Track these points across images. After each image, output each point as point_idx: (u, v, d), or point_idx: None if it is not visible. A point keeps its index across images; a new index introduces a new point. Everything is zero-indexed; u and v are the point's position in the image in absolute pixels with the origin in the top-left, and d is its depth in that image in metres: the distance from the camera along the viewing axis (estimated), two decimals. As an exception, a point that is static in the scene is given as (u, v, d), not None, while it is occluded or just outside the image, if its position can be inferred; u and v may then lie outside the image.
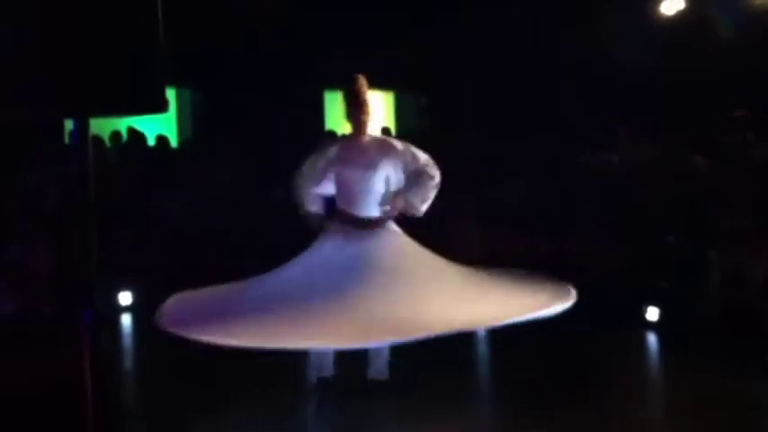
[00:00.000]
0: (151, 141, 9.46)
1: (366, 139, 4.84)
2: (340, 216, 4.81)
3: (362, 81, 4.81)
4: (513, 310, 4.38)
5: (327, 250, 4.67)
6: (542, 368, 5.42)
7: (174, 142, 10.66)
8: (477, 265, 4.99)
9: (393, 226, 4.83)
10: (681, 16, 9.21)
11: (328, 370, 4.85)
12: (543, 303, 4.49)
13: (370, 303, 4.25)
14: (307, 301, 4.30)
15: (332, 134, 8.96)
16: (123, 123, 9.56)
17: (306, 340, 4.18)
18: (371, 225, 4.74)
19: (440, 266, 4.72)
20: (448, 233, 7.02)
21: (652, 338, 6.12)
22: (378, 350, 4.82)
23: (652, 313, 6.26)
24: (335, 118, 11.68)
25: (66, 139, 8.32)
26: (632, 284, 6.56)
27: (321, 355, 4.82)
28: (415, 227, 4.91)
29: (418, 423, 4.57)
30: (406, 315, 4.22)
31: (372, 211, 4.77)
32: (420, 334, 4.14)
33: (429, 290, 4.43)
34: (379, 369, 4.87)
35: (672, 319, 6.15)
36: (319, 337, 4.16)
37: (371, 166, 4.75)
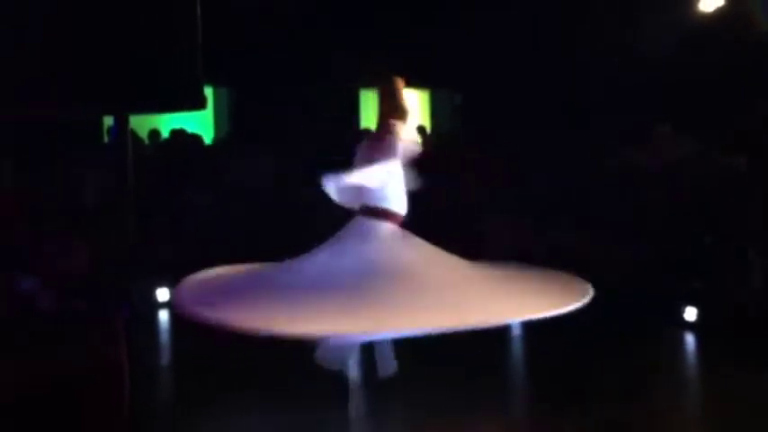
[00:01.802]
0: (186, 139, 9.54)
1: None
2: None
3: (399, 82, 4.86)
4: (527, 309, 4.36)
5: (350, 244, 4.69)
6: (577, 367, 5.39)
7: (210, 141, 10.75)
8: (503, 261, 4.98)
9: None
10: (720, 12, 9.08)
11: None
12: (557, 302, 4.46)
13: (401, 292, 4.27)
14: (331, 289, 4.32)
15: (366, 132, 8.97)
16: (162, 122, 9.67)
17: (329, 327, 4.19)
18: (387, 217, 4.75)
19: (453, 263, 4.73)
20: (477, 228, 7.01)
21: (690, 338, 6.06)
22: (380, 349, 4.81)
23: (690, 313, 6.20)
24: (370, 117, 11.70)
25: (105, 137, 8.45)
26: (670, 284, 6.50)
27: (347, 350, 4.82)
28: (443, 220, 4.91)
29: (449, 422, 4.55)
30: (434, 305, 4.23)
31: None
32: (442, 327, 4.16)
33: (451, 284, 4.44)
34: (384, 367, 4.87)
35: (710, 319, 6.08)
36: (344, 323, 4.17)
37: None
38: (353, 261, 4.51)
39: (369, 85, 11.30)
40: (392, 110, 4.84)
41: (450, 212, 4.93)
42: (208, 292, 4.58)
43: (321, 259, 4.64)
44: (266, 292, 4.43)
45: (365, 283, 4.34)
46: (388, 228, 4.69)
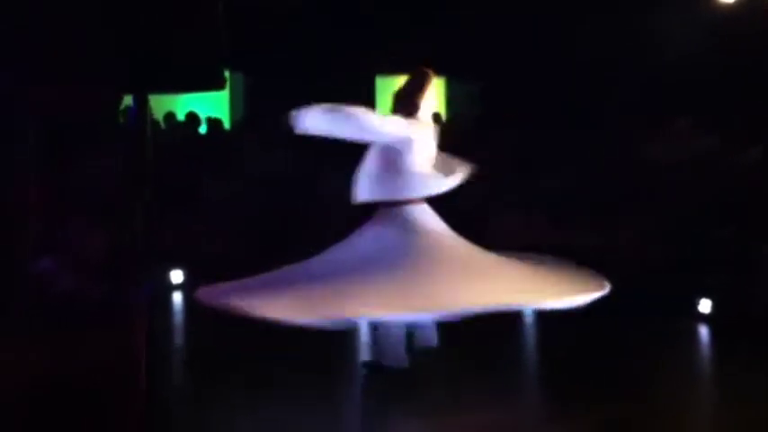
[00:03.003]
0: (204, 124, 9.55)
1: None
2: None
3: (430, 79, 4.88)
4: (547, 295, 4.39)
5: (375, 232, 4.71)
6: (589, 360, 5.38)
7: (226, 126, 10.75)
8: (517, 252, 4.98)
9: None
10: (738, 4, 9.00)
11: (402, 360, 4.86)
12: (577, 290, 4.49)
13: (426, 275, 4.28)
14: (361, 273, 4.35)
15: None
16: (178, 105, 9.68)
17: (360, 309, 4.22)
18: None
19: (475, 249, 4.75)
20: (490, 222, 6.99)
21: (704, 331, 6.04)
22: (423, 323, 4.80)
23: (704, 305, 6.18)
24: (386, 103, 11.66)
25: (122, 119, 8.45)
26: (685, 277, 6.47)
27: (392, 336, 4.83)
28: (457, 215, 4.90)
29: (460, 411, 4.55)
30: (462, 288, 4.26)
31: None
32: (474, 307, 4.19)
33: (474, 267, 4.47)
34: (426, 337, 4.87)
35: (725, 312, 6.06)
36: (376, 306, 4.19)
37: None
38: (385, 246, 4.54)
39: (400, 72, 11.32)
40: (407, 103, 4.83)
41: (460, 207, 4.92)
42: (237, 286, 4.61)
43: (351, 248, 4.66)
44: (303, 282, 4.45)
45: (401, 265, 4.39)
46: (411, 210, 4.68)
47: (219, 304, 4.42)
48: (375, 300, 4.24)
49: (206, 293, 4.62)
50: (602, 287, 4.63)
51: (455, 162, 4.87)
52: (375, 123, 4.67)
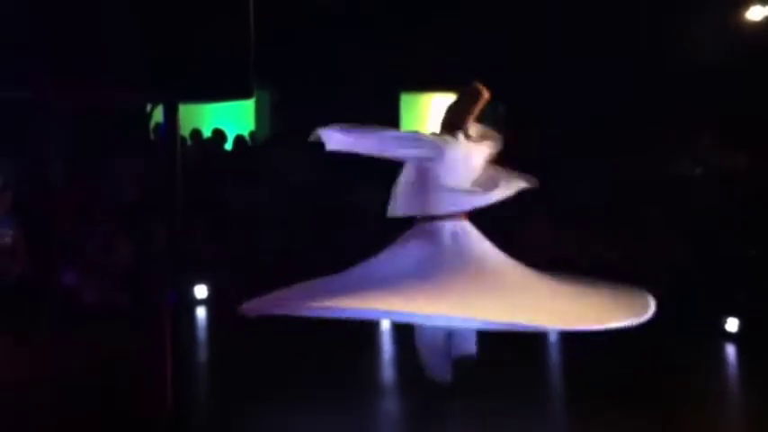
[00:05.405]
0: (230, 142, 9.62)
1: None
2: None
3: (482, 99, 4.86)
4: (594, 317, 4.34)
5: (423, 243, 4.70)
6: (615, 375, 5.33)
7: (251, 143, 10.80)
8: (548, 268, 4.93)
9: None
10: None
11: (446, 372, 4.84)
12: (620, 314, 4.42)
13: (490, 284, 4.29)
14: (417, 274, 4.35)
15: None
16: (204, 121, 9.75)
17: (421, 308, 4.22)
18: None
19: (522, 268, 4.71)
20: (517, 235, 6.96)
21: (731, 350, 5.97)
22: (463, 331, 4.79)
23: (732, 324, 6.11)
24: (411, 120, 11.68)
25: (152, 135, 8.54)
26: (713, 294, 6.42)
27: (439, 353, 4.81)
28: (485, 226, 4.87)
29: (487, 425, 4.53)
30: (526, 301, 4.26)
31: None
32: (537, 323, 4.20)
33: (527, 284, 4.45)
34: (466, 348, 4.84)
35: (752, 331, 5.99)
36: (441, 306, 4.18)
37: None
38: (429, 257, 4.53)
39: (424, 89, 11.39)
40: (452, 120, 4.81)
41: (489, 217, 4.89)
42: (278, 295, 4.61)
43: (392, 257, 4.65)
44: (347, 284, 4.45)
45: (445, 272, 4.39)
46: (452, 225, 4.66)
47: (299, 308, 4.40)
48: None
49: (267, 306, 4.57)
50: (644, 312, 4.53)
51: (504, 177, 4.83)
52: (394, 142, 4.69)
